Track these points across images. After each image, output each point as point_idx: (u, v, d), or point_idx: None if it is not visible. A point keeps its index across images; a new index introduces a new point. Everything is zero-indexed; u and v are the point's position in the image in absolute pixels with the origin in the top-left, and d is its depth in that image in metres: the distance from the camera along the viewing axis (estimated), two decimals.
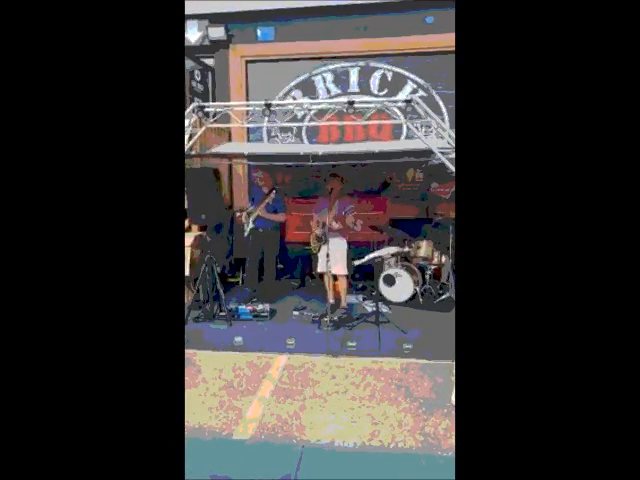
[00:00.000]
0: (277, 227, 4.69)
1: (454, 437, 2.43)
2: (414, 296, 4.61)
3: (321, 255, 4.12)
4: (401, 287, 4.62)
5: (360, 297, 4.83)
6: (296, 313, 4.22)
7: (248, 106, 3.44)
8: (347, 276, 4.32)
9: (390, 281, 4.66)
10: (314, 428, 2.54)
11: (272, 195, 4.40)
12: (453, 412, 2.70)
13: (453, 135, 2.98)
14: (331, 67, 5.59)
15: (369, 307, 4.40)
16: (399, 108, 3.02)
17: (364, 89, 5.55)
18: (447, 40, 5.27)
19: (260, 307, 4.05)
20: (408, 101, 2.89)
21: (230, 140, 5.52)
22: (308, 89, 5.63)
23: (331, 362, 3.46)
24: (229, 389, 3.03)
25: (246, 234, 4.54)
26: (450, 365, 3.18)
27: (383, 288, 4.66)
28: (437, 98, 5.46)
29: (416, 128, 3.14)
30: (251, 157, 5.07)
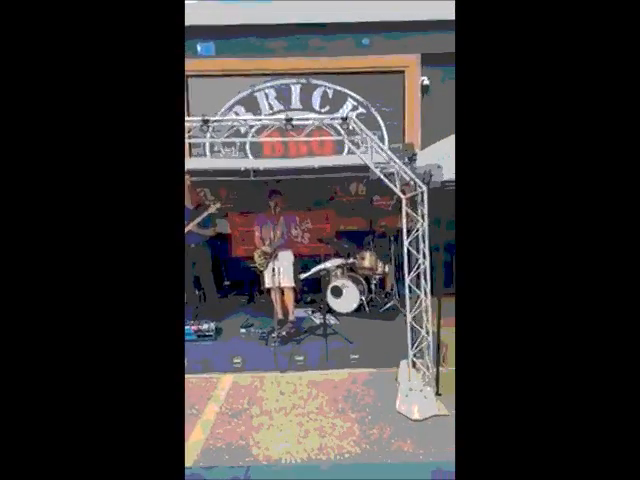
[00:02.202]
0: (206, 243, 4.55)
1: (398, 443, 2.50)
2: (361, 306, 4.71)
3: (268, 270, 4.10)
4: (348, 298, 4.70)
5: (309, 310, 4.85)
6: (243, 330, 4.14)
7: (186, 122, 3.38)
8: (294, 289, 4.32)
9: (337, 292, 4.73)
10: (261, 447, 2.50)
11: (213, 209, 4.29)
12: (397, 418, 2.78)
13: (389, 151, 3.12)
14: (273, 83, 5.67)
15: (317, 320, 4.43)
16: (339, 124, 3.13)
17: (306, 105, 5.67)
18: (382, 61, 5.57)
19: (205, 326, 3.93)
20: (344, 118, 3.00)
21: None
22: (251, 105, 5.65)
23: (279, 378, 3.43)
24: None
25: None
26: (395, 372, 3.27)
27: (331, 300, 4.72)
28: (376, 115, 5.70)
29: (356, 144, 3.27)
30: (192, 172, 4.96)
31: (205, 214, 4.30)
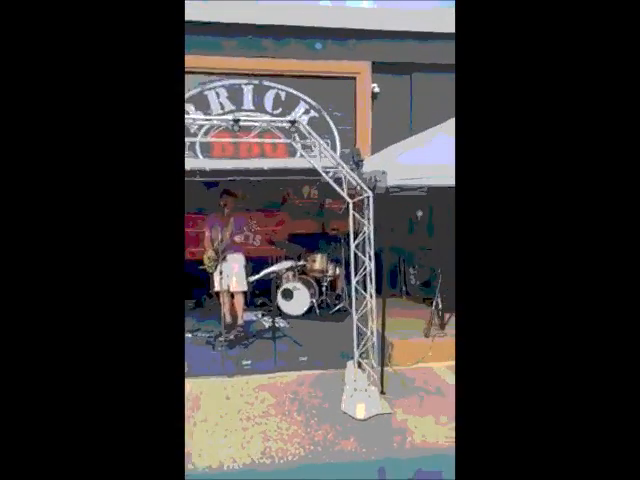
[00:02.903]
0: None
1: (342, 443, 2.55)
2: (311, 308, 4.75)
3: (217, 273, 4.02)
4: (299, 300, 4.72)
5: (259, 313, 4.81)
6: (189, 336, 4.02)
7: None
8: (244, 293, 4.27)
9: (288, 295, 4.73)
10: (203, 455, 2.44)
11: None
12: (342, 418, 2.82)
13: (336, 156, 3.18)
14: (224, 83, 5.58)
15: (267, 323, 4.40)
16: (288, 127, 3.14)
17: (259, 107, 5.63)
18: (334, 66, 5.67)
19: None
20: (293, 122, 3.01)
21: None
22: (201, 103, 5.52)
23: (226, 383, 3.37)
24: None
25: None
26: (342, 373, 3.33)
27: (282, 302, 4.71)
28: (328, 119, 5.78)
29: (308, 147, 3.30)
30: None
31: None
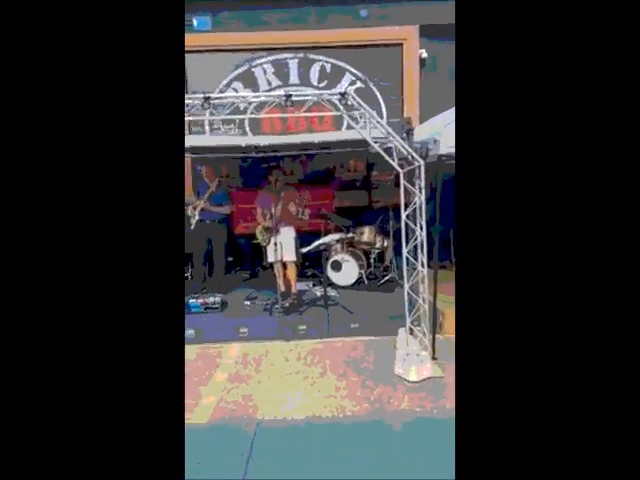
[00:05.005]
0: (223, 219, 4.73)
1: (396, 402, 2.69)
2: (360, 279, 4.86)
3: (270, 245, 4.22)
4: (347, 271, 4.85)
5: (310, 284, 5.00)
6: (247, 303, 4.30)
7: (187, 99, 3.42)
8: (296, 263, 4.46)
9: (337, 266, 4.87)
10: (268, 408, 2.68)
11: (213, 187, 4.49)
12: (396, 380, 2.96)
13: (387, 126, 3.19)
14: (270, 58, 5.63)
15: (318, 292, 4.59)
16: (337, 100, 3.17)
17: (304, 81, 5.65)
18: (380, 34, 5.52)
19: (211, 299, 4.08)
20: (343, 94, 3.04)
21: None
22: (249, 81, 5.63)
23: (283, 346, 3.61)
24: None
25: (192, 227, 4.55)
26: (393, 340, 3.44)
27: (331, 273, 4.86)
28: (374, 89, 5.69)
29: (355, 119, 3.32)
30: (193, 149, 5.00)
31: (210, 192, 4.44)
